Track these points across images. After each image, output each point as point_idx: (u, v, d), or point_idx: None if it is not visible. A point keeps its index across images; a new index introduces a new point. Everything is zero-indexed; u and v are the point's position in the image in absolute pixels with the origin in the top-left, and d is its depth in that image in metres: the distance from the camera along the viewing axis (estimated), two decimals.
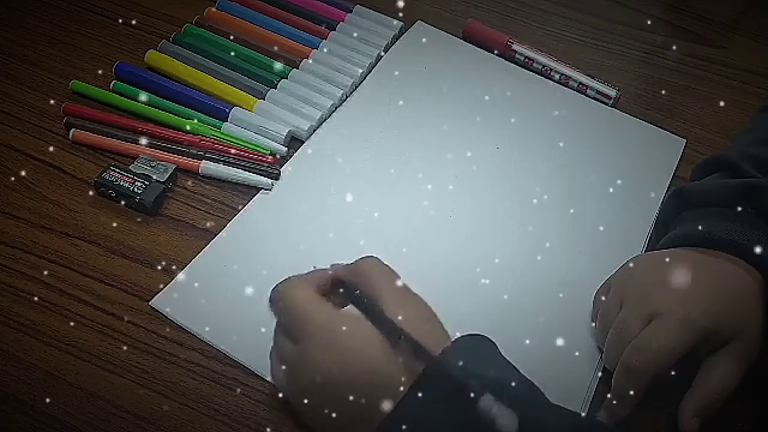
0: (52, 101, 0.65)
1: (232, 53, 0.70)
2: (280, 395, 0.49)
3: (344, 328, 0.44)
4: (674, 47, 0.82)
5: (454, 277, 0.58)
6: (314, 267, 0.50)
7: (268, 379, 0.50)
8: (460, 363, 0.42)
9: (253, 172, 0.62)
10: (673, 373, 0.51)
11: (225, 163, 0.62)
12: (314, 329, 0.44)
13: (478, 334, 0.45)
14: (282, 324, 0.47)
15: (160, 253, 0.56)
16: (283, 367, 0.46)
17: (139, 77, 0.67)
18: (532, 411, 0.41)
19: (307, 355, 0.44)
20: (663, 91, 0.77)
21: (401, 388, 0.42)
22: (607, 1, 0.86)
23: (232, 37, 0.72)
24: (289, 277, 0.48)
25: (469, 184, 0.65)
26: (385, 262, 0.48)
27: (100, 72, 0.68)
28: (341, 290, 0.47)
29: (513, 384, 0.42)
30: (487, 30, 0.78)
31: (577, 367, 0.55)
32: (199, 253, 0.57)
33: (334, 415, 0.44)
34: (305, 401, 0.45)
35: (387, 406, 0.41)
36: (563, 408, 0.43)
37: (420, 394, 0.41)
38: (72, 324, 0.52)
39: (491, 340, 0.45)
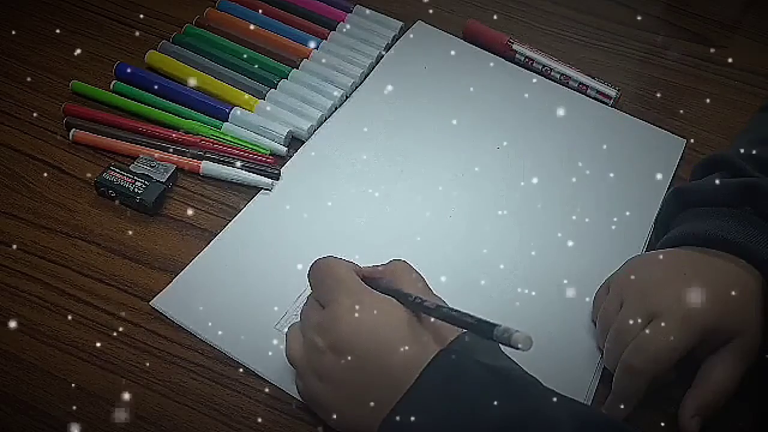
0: (52, 101, 0.65)
1: (232, 53, 0.70)
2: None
3: (374, 296, 0.46)
4: (674, 47, 0.82)
5: (454, 276, 0.58)
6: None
7: (268, 379, 0.51)
8: (470, 352, 0.44)
9: (253, 172, 0.62)
10: (673, 372, 0.51)
11: (225, 163, 0.62)
12: (346, 292, 0.46)
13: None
14: (316, 288, 0.49)
15: (160, 253, 0.56)
16: (304, 338, 0.47)
17: (139, 77, 0.67)
18: (536, 399, 0.42)
19: (335, 314, 0.45)
20: (663, 91, 0.77)
21: (420, 363, 0.42)
22: (607, 1, 0.86)
23: (232, 37, 0.72)
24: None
25: (470, 184, 0.65)
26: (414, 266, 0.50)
27: (100, 72, 0.68)
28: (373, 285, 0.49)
29: (517, 373, 0.43)
30: (487, 30, 0.78)
31: (577, 367, 0.54)
32: (199, 253, 0.57)
33: (351, 382, 0.44)
34: (323, 367, 0.45)
35: (405, 378, 0.42)
36: (565, 396, 0.43)
37: (435, 376, 0.42)
38: (72, 324, 0.52)
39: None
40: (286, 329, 0.50)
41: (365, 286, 0.47)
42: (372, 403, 0.44)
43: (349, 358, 0.44)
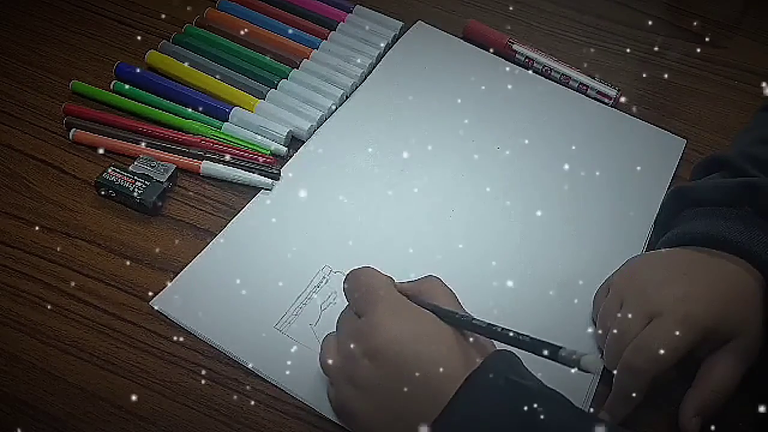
0: (52, 101, 0.65)
1: (232, 53, 0.70)
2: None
3: (413, 307, 0.46)
4: (674, 47, 0.82)
5: (454, 277, 0.58)
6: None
7: (268, 378, 0.51)
8: (506, 369, 0.44)
9: (253, 172, 0.62)
10: (673, 372, 0.51)
11: (225, 163, 0.62)
12: (385, 301, 0.46)
13: (507, 350, 0.45)
14: (353, 298, 0.48)
15: (160, 253, 0.56)
16: (339, 346, 0.47)
17: (139, 77, 0.67)
18: (576, 422, 0.41)
19: (373, 322, 0.45)
20: (663, 91, 0.77)
21: (460, 377, 0.42)
22: (607, 1, 0.86)
23: (232, 37, 0.72)
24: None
25: (469, 185, 0.65)
26: (446, 283, 0.50)
27: (100, 72, 0.68)
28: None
29: (551, 392, 0.43)
30: (487, 30, 0.78)
31: None
32: (199, 253, 0.57)
33: (386, 390, 0.44)
34: (358, 375, 0.45)
35: (444, 390, 0.42)
36: (603, 420, 0.43)
37: (475, 392, 0.42)
38: (72, 324, 0.52)
39: (517, 356, 0.45)
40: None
41: (403, 297, 0.47)
42: (406, 414, 0.43)
43: (386, 366, 0.44)
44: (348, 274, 0.49)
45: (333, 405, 0.49)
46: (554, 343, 0.40)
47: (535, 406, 0.41)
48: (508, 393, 0.42)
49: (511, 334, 0.43)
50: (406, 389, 0.43)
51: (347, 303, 0.49)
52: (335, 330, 0.49)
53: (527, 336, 0.42)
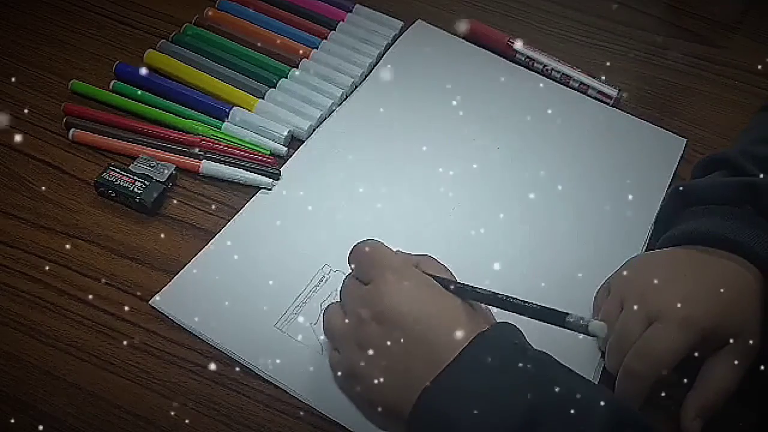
0: (52, 101, 0.65)
1: (232, 53, 0.70)
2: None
3: (419, 273, 0.48)
4: (674, 47, 0.82)
5: (453, 275, 0.58)
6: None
7: (268, 378, 0.51)
8: (509, 335, 0.46)
9: (253, 172, 0.62)
10: (674, 373, 0.51)
11: (225, 163, 0.62)
12: (392, 268, 0.47)
13: (512, 323, 0.46)
14: (359, 267, 0.49)
15: (160, 253, 0.56)
16: (345, 312, 0.48)
17: (139, 77, 0.67)
18: (574, 385, 0.42)
19: (381, 287, 0.46)
20: (663, 91, 0.77)
21: (464, 340, 0.43)
22: (607, 1, 0.86)
23: (232, 37, 0.72)
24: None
25: (470, 185, 0.65)
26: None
27: (100, 72, 0.68)
28: None
29: (553, 359, 0.44)
30: (487, 30, 0.78)
31: (578, 367, 0.54)
32: (199, 253, 0.57)
33: (393, 351, 0.45)
34: (366, 337, 0.46)
35: (447, 353, 0.43)
36: (601, 385, 0.43)
37: (478, 355, 0.43)
38: (72, 324, 0.52)
39: (521, 330, 0.47)
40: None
41: (410, 265, 0.48)
42: (412, 375, 0.44)
43: (395, 328, 0.45)
44: (353, 247, 0.50)
45: (337, 370, 0.49)
46: (561, 310, 0.41)
47: (541, 366, 0.42)
48: (513, 354, 0.43)
49: (517, 301, 0.44)
50: (412, 351, 0.44)
51: (350, 272, 0.50)
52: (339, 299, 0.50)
53: (534, 303, 0.43)
